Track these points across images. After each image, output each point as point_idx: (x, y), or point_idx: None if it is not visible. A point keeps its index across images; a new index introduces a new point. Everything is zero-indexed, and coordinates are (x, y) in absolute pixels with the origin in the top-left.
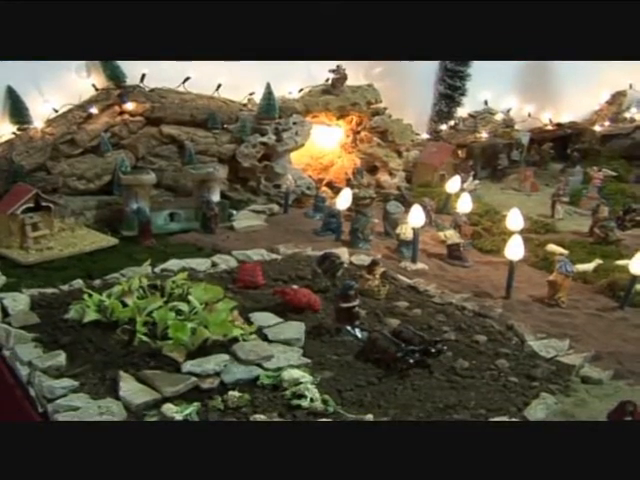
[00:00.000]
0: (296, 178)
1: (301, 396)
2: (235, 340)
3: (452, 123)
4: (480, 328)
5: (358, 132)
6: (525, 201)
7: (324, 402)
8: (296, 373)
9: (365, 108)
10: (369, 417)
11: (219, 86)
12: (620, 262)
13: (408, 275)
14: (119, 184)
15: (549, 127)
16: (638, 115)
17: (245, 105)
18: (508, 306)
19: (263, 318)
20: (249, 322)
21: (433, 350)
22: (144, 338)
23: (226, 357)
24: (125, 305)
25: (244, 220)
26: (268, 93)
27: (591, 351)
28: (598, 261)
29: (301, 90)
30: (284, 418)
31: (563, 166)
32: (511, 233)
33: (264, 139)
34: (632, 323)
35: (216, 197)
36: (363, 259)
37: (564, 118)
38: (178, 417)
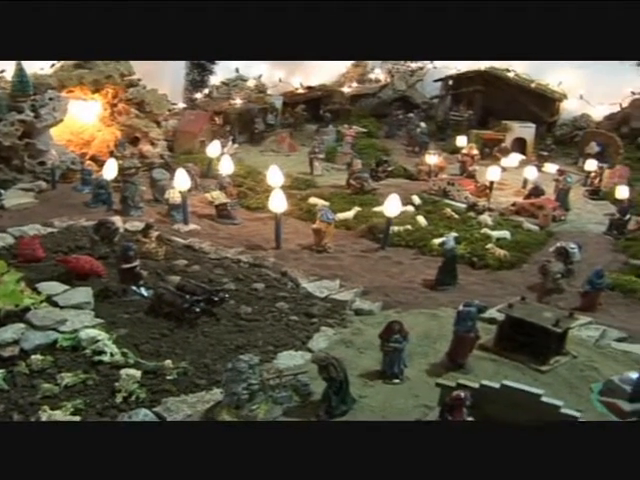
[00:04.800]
0: (60, 154)
1: (101, 352)
2: (27, 309)
3: (206, 91)
4: (257, 277)
5: (115, 105)
6: (285, 161)
7: (124, 355)
8: (92, 332)
9: (119, 80)
10: (168, 362)
11: None
12: (376, 208)
13: (182, 236)
14: None
15: (300, 90)
16: (382, 76)
17: None
18: (280, 255)
19: (50, 287)
20: (37, 292)
21: (216, 298)
22: None
23: (22, 325)
24: None
25: (14, 198)
26: (19, 70)
27: (360, 287)
28: (357, 209)
29: (53, 65)
30: (89, 374)
31: (317, 126)
32: (273, 190)
33: (22, 116)
34: (393, 260)
35: None
36: (137, 225)
37: (314, 81)
38: None
